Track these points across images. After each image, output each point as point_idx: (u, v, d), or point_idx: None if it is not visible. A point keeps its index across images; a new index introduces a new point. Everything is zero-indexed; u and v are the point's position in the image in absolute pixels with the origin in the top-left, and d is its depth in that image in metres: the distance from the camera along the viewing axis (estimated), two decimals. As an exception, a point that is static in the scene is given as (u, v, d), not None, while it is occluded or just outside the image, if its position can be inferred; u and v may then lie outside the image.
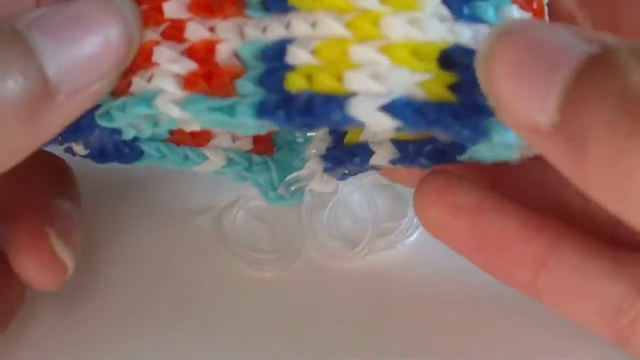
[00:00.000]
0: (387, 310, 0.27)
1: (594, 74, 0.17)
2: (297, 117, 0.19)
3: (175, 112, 0.21)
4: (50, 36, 0.21)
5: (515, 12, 0.20)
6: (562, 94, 0.17)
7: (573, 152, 0.17)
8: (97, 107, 0.22)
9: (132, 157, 0.25)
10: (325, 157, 0.24)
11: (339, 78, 0.19)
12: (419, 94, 0.19)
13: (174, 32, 0.21)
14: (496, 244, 0.23)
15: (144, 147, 0.24)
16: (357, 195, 0.30)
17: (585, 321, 0.23)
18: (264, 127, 0.20)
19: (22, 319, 0.27)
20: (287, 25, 0.20)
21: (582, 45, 0.18)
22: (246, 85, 0.20)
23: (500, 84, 0.18)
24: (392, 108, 0.18)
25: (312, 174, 0.24)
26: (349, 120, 0.19)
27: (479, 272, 0.23)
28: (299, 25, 0.19)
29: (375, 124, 0.19)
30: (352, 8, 0.19)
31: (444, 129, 0.19)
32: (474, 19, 0.20)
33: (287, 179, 0.25)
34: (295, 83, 0.19)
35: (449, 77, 0.19)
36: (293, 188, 0.25)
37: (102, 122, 0.22)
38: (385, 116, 0.18)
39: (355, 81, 0.19)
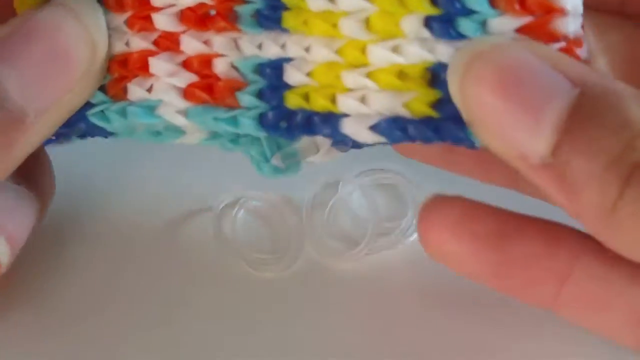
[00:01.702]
0: (387, 311, 0.27)
1: (581, 120, 0.18)
2: (297, 130, 0.22)
3: (181, 122, 0.22)
4: (7, 61, 0.21)
5: (504, 26, 0.20)
6: (553, 134, 0.18)
7: (563, 190, 0.19)
8: (87, 104, 0.23)
9: (102, 134, 0.24)
10: None
11: (333, 100, 0.21)
12: (404, 113, 0.20)
13: (169, 43, 0.23)
14: (520, 266, 0.22)
15: (114, 126, 0.24)
16: (357, 195, 0.30)
17: (609, 331, 0.23)
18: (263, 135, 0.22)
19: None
20: (283, 46, 0.22)
21: (566, 85, 0.19)
22: (248, 99, 0.22)
23: (483, 107, 0.19)
24: (378, 128, 0.21)
25: (313, 146, 0.23)
26: (342, 136, 0.21)
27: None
28: (294, 48, 0.21)
29: (365, 140, 0.21)
30: (341, 35, 0.21)
31: (427, 142, 0.20)
32: (457, 36, 0.20)
33: (284, 150, 0.24)
34: (294, 101, 0.21)
35: (432, 94, 0.20)
36: (289, 160, 0.24)
37: (96, 121, 0.23)
38: (373, 134, 0.21)
39: (347, 104, 0.21)
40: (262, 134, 0.22)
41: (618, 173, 0.18)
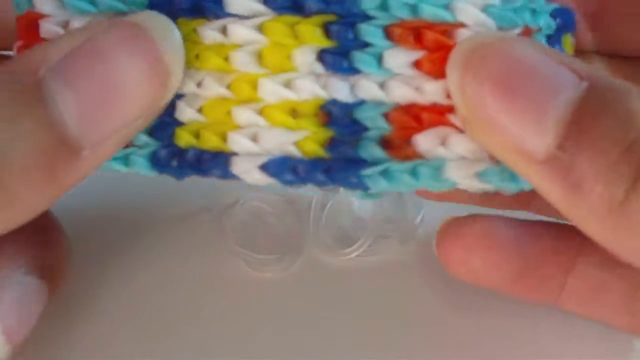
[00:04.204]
0: (387, 311, 0.27)
1: (591, 113, 0.18)
2: (188, 170, 0.21)
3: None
4: (67, 81, 0.18)
5: (400, 59, 0.20)
6: (560, 128, 0.18)
7: (568, 184, 0.18)
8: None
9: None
10: None
11: (223, 137, 0.20)
12: (295, 152, 0.20)
13: None
14: (534, 266, 0.22)
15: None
16: (357, 196, 0.30)
17: (606, 314, 0.23)
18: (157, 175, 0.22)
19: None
20: None
21: (572, 78, 0.18)
22: (140, 137, 0.21)
23: (485, 103, 0.18)
24: (267, 168, 0.20)
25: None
26: (232, 176, 0.20)
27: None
28: (186, 83, 0.20)
29: (255, 182, 0.20)
30: (232, 70, 0.20)
31: (318, 185, 0.20)
32: (351, 70, 0.20)
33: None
34: (184, 139, 0.21)
35: (325, 134, 0.20)
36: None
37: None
38: (262, 175, 0.20)
39: (236, 142, 0.20)
40: (152, 174, 0.21)
41: (630, 164, 0.17)
